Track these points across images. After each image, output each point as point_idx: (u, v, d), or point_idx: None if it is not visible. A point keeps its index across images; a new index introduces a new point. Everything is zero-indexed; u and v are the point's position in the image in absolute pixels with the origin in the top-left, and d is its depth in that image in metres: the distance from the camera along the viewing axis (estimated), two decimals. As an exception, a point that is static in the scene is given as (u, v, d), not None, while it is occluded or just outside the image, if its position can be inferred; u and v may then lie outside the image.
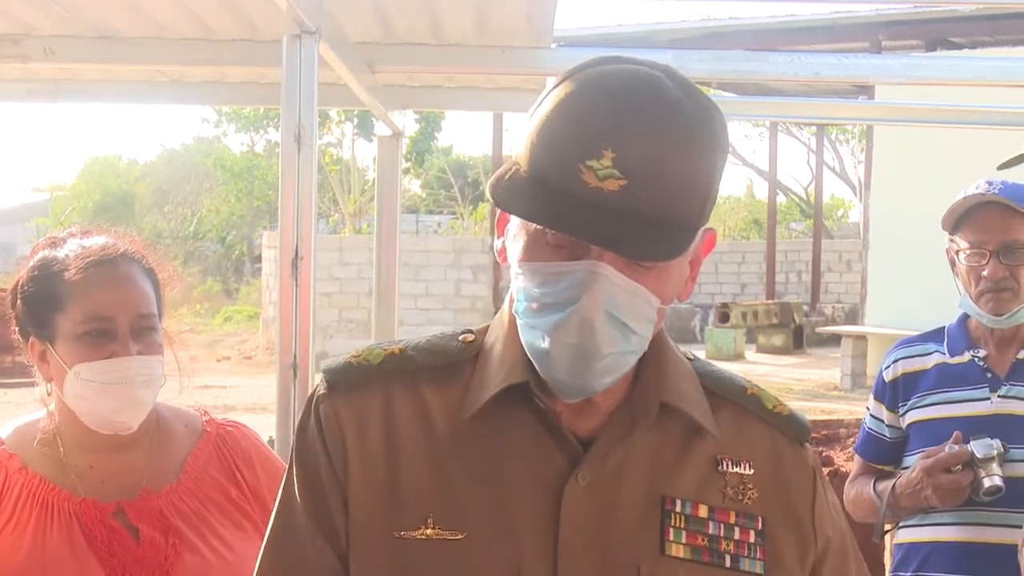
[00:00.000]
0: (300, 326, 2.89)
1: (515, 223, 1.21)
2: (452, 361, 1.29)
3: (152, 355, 1.88)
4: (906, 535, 2.65)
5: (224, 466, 1.96)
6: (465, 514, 1.21)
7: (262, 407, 11.56)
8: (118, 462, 1.91)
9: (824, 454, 4.83)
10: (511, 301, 1.26)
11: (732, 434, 1.30)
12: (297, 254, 2.87)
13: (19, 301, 1.92)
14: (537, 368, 1.20)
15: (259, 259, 22.83)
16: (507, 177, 1.17)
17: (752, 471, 1.28)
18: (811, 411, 11.15)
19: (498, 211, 1.23)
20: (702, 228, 1.20)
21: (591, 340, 1.15)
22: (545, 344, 1.17)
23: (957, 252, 2.62)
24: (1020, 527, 2.34)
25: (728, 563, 1.24)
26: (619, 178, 1.10)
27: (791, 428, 1.33)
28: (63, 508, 1.86)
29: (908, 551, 2.63)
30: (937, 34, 13.99)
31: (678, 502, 1.24)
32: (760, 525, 1.26)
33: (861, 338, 14.34)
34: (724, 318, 18.30)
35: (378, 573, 1.23)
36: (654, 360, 1.27)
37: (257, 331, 19.09)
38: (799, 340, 18.78)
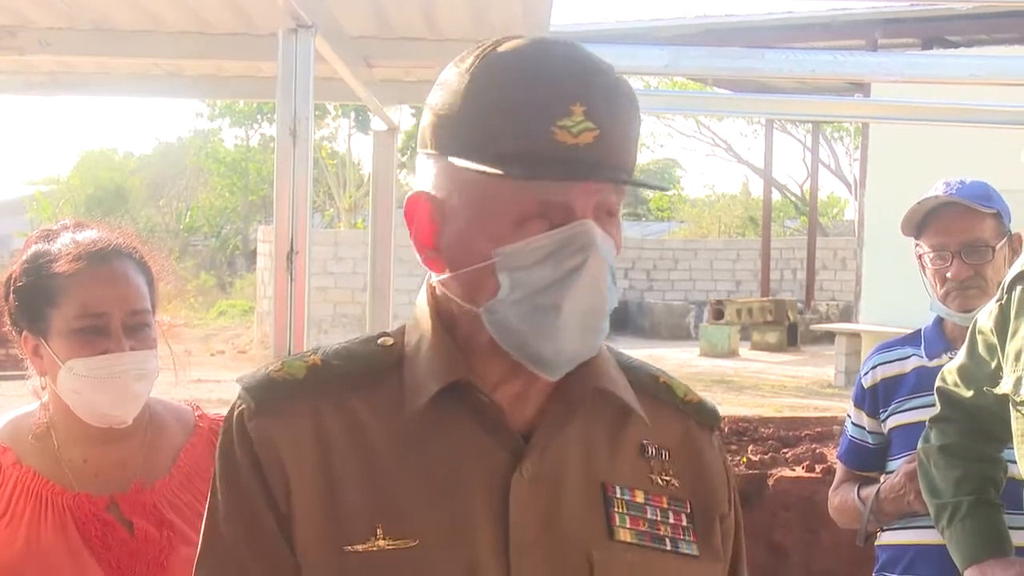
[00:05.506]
0: (295, 320, 2.89)
1: (454, 224, 1.19)
2: (375, 367, 1.25)
3: (146, 350, 1.88)
4: (890, 537, 2.65)
5: (218, 460, 1.96)
6: (415, 521, 1.17)
7: (256, 401, 11.49)
8: (112, 455, 1.91)
9: (818, 451, 4.85)
10: (432, 298, 1.25)
11: (649, 421, 1.31)
12: (292, 248, 2.87)
13: (12, 295, 1.91)
14: (532, 349, 1.17)
15: (254, 253, 22.80)
16: (469, 167, 1.14)
17: (669, 458, 1.30)
18: (805, 408, 11.15)
19: (409, 228, 1.21)
20: None
21: (601, 299, 1.17)
22: (557, 319, 1.15)
23: (922, 256, 2.62)
24: None
25: (668, 546, 1.25)
26: (592, 129, 1.13)
27: (702, 415, 1.35)
28: (57, 503, 1.86)
29: (893, 553, 2.63)
30: (934, 32, 13.99)
31: (617, 488, 1.25)
32: (689, 509, 1.29)
33: (855, 336, 14.35)
34: (718, 315, 18.31)
35: None
36: None
37: (252, 325, 19.09)
38: (793, 337, 18.80)
